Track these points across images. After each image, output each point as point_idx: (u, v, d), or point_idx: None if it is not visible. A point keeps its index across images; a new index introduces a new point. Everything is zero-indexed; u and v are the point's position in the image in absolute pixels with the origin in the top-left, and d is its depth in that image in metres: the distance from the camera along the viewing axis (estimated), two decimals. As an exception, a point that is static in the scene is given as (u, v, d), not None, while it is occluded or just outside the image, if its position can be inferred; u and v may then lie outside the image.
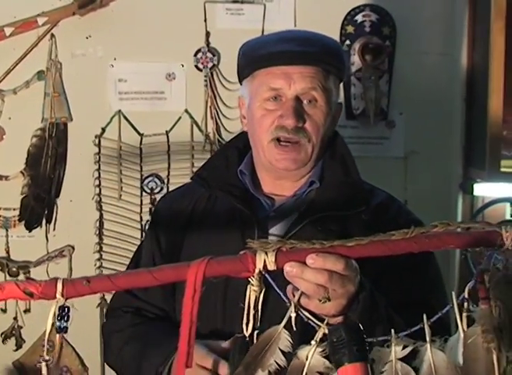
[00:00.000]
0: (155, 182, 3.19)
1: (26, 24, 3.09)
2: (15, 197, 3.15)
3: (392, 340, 1.28)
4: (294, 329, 1.31)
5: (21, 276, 3.09)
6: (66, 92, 3.16)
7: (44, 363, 1.31)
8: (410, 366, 1.27)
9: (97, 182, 3.18)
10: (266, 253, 1.31)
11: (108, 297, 2.72)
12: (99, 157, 3.17)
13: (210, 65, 3.17)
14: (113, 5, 3.15)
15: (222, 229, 1.82)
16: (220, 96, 3.19)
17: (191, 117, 3.19)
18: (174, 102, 3.19)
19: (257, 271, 1.31)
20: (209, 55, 3.16)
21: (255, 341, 1.32)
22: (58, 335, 1.48)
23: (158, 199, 2.02)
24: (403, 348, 1.27)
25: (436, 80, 3.23)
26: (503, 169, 2.94)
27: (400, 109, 3.24)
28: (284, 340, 1.31)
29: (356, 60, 3.20)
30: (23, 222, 3.16)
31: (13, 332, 3.15)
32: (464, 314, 1.26)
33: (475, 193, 3.06)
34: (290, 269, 1.33)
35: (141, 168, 3.18)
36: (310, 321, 1.32)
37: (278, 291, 1.33)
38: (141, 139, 3.19)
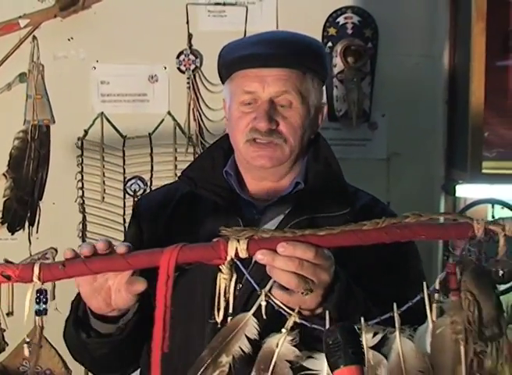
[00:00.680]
0: (138, 184, 3.19)
1: (7, 26, 3.08)
2: (-3, 199, 3.15)
3: (363, 328, 1.30)
4: (264, 317, 1.33)
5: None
6: (48, 94, 3.15)
7: (26, 345, 1.33)
8: (381, 353, 1.28)
9: (79, 184, 3.17)
10: (238, 241, 1.33)
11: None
12: (82, 159, 3.17)
13: (192, 67, 3.17)
14: (95, 7, 3.15)
15: (206, 229, 1.82)
16: (203, 98, 3.19)
17: (174, 119, 3.19)
18: (157, 104, 3.19)
19: (228, 258, 1.33)
20: (191, 57, 3.16)
21: None
22: (37, 318, 1.51)
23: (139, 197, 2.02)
24: (374, 335, 1.29)
25: (418, 82, 3.24)
26: (484, 171, 2.95)
27: (382, 111, 3.25)
28: (251, 327, 1.33)
29: (338, 62, 3.21)
30: (6, 224, 3.16)
31: (-5, 335, 3.14)
32: (434, 305, 1.27)
33: (457, 194, 3.07)
34: (261, 256, 1.35)
35: (124, 170, 3.18)
36: (280, 309, 1.34)
37: (249, 279, 1.35)
38: (124, 141, 3.18)
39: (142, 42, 3.14)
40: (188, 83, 3.17)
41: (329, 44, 3.22)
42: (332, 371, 1.22)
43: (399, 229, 1.31)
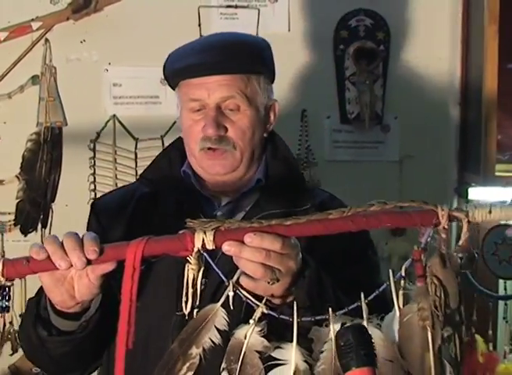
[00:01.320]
0: (150, 186, 3.18)
1: (20, 29, 3.09)
2: (10, 201, 3.15)
3: (330, 318, 1.31)
4: (231, 308, 1.33)
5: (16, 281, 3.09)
6: (61, 97, 3.16)
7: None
8: None
9: (92, 186, 3.18)
10: (205, 232, 1.34)
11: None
12: (94, 161, 3.18)
13: (205, 69, 3.16)
14: (107, 10, 3.16)
15: (168, 228, 1.84)
16: (215, 100, 3.19)
17: (186, 121, 3.19)
18: (169, 106, 3.18)
19: (195, 250, 1.34)
20: (204, 59, 3.16)
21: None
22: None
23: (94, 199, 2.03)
24: (342, 326, 1.29)
25: (431, 84, 3.23)
26: (497, 174, 2.95)
27: (394, 113, 3.24)
28: (220, 318, 1.34)
29: (350, 65, 3.21)
30: (19, 226, 3.16)
31: (9, 336, 3.15)
32: (401, 292, 1.28)
33: (470, 197, 3.06)
34: (228, 247, 1.36)
35: (136, 172, 3.18)
36: (248, 300, 1.35)
37: (216, 270, 1.36)
38: (136, 143, 3.19)
39: (154, 44, 3.14)
40: (200, 85, 3.17)
41: (341, 46, 3.22)
42: (344, 373, 1.22)
43: (364, 217, 1.32)
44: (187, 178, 1.93)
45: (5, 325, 1.56)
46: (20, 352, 3.15)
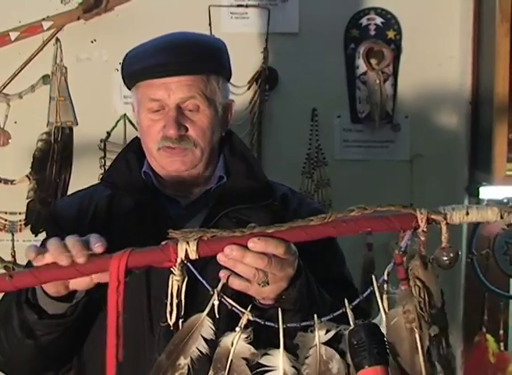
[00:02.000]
0: (161, 186, 3.19)
1: (31, 29, 3.10)
2: (21, 201, 3.16)
3: (316, 324, 1.32)
4: (217, 316, 1.34)
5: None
6: (72, 96, 3.16)
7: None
8: (335, 349, 1.31)
9: (102, 186, 3.18)
10: (188, 242, 1.34)
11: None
12: (104, 161, 3.18)
13: (215, 69, 3.16)
14: (118, 10, 3.16)
15: (133, 229, 1.84)
16: (225, 100, 3.19)
17: (196, 121, 3.19)
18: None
19: (178, 260, 1.34)
20: (214, 58, 3.16)
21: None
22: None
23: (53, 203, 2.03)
24: (327, 332, 1.31)
25: (442, 84, 3.22)
26: (508, 173, 2.94)
27: (405, 113, 3.24)
28: (207, 327, 1.34)
29: (361, 64, 3.20)
30: (29, 226, 3.17)
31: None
32: (385, 296, 1.30)
33: (481, 196, 3.05)
34: (230, 251, 1.36)
35: (146, 172, 3.19)
36: (234, 308, 1.35)
37: (201, 279, 1.36)
38: (146, 143, 3.19)
39: (165, 44, 3.14)
40: (210, 84, 3.17)
41: (352, 45, 3.21)
42: (356, 371, 1.23)
43: (345, 222, 1.33)
44: (148, 179, 1.94)
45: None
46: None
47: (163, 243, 1.36)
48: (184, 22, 3.13)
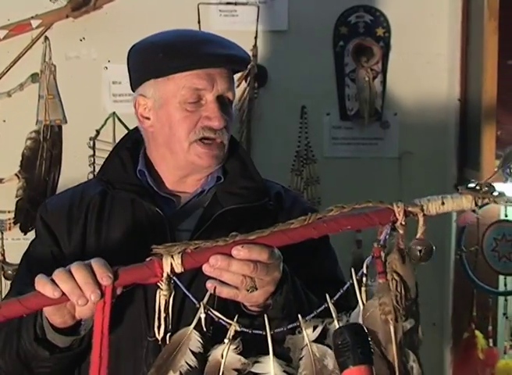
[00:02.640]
0: (150, 184, 3.18)
1: (19, 27, 3.09)
2: (10, 199, 3.15)
3: (302, 324, 1.34)
4: (205, 329, 1.34)
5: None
6: (60, 94, 3.16)
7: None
8: (326, 345, 1.32)
9: (92, 184, 3.18)
10: (172, 256, 1.34)
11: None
12: (94, 159, 3.17)
13: (204, 66, 3.16)
14: (107, 8, 3.16)
15: (128, 228, 1.83)
16: (214, 98, 3.19)
17: (186, 119, 3.18)
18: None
19: (165, 275, 1.34)
20: (203, 56, 3.16)
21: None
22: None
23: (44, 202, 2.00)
24: (314, 329, 1.33)
25: (430, 81, 3.23)
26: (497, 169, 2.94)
27: (394, 110, 3.25)
28: (195, 341, 1.34)
29: (350, 61, 3.21)
30: (18, 224, 3.16)
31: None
32: (363, 288, 1.32)
33: (470, 193, 3.06)
34: (215, 261, 1.36)
35: (136, 170, 3.18)
36: (220, 320, 1.35)
37: (186, 293, 1.36)
38: (136, 141, 3.19)
39: (154, 42, 3.14)
40: (200, 82, 3.17)
41: (341, 43, 3.22)
42: (341, 371, 1.24)
43: (325, 223, 1.34)
44: (143, 177, 1.91)
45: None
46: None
47: (147, 259, 1.36)
48: (173, 19, 3.13)
